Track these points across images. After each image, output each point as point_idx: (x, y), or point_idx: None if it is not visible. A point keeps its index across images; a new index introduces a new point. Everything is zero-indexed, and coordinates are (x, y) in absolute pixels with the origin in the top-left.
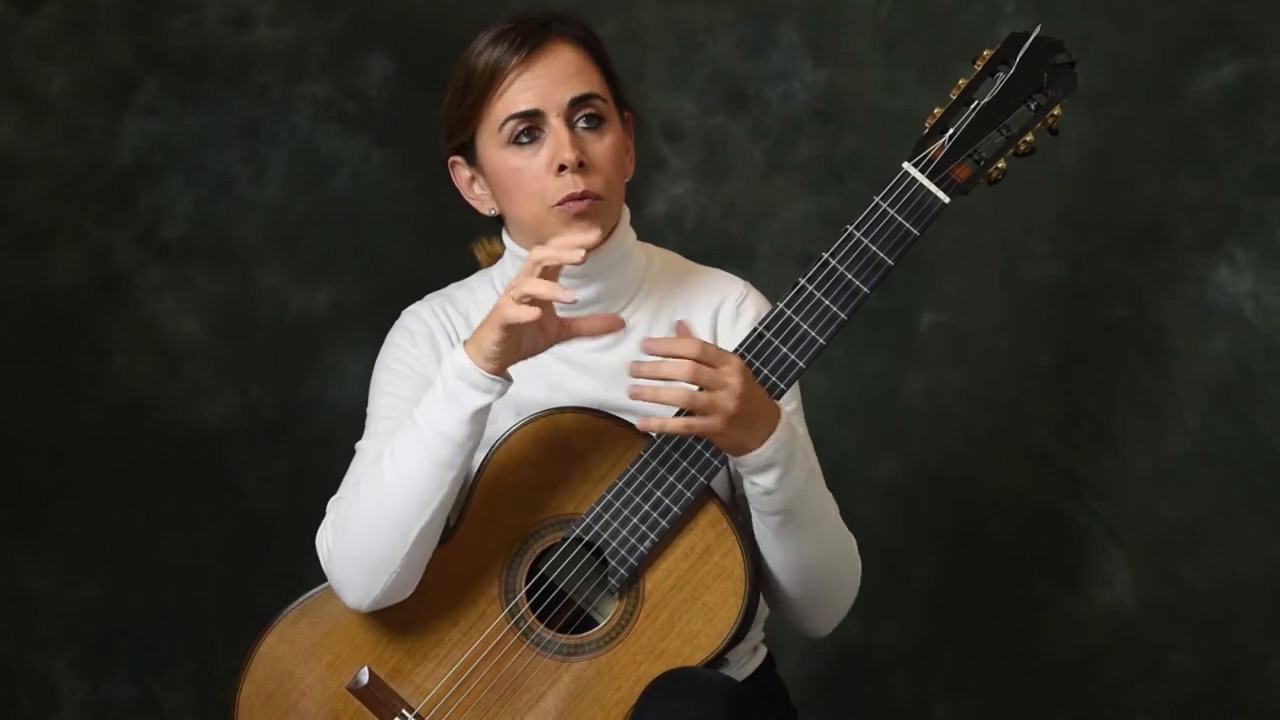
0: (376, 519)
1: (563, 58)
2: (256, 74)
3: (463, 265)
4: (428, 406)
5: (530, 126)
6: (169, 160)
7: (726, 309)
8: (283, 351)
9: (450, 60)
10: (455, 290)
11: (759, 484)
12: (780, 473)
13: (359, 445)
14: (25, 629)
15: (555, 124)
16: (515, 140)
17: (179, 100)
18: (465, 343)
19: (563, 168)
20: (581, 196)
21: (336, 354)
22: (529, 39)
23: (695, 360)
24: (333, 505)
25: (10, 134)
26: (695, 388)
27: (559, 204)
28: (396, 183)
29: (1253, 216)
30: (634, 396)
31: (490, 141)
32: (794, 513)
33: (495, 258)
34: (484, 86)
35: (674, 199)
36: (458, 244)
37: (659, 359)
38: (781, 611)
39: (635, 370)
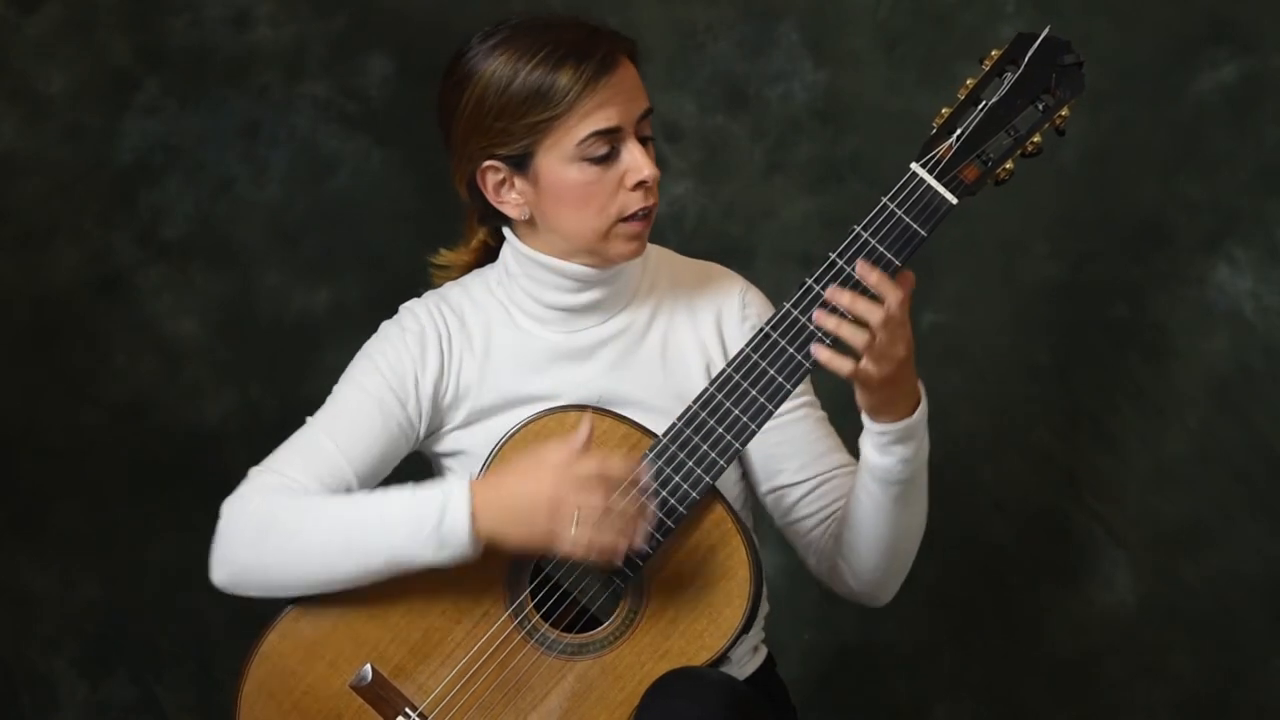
0: (288, 558)
1: (630, 74)
2: (256, 74)
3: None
4: (399, 523)
5: (609, 143)
6: (169, 160)
7: (730, 308)
8: (283, 351)
9: (449, 60)
10: (450, 289)
11: (896, 453)
12: (918, 444)
13: (309, 419)
14: (25, 629)
15: (631, 141)
16: (592, 157)
17: (179, 100)
18: (484, 508)
19: (641, 183)
20: (648, 210)
21: (336, 354)
22: (606, 59)
23: (890, 312)
24: (257, 477)
25: (10, 134)
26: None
27: (627, 219)
28: (396, 183)
29: (1253, 216)
30: (817, 322)
31: (558, 156)
32: (914, 481)
33: (451, 268)
34: (561, 101)
35: (674, 199)
36: (458, 244)
37: (857, 297)
38: (859, 586)
39: (833, 297)
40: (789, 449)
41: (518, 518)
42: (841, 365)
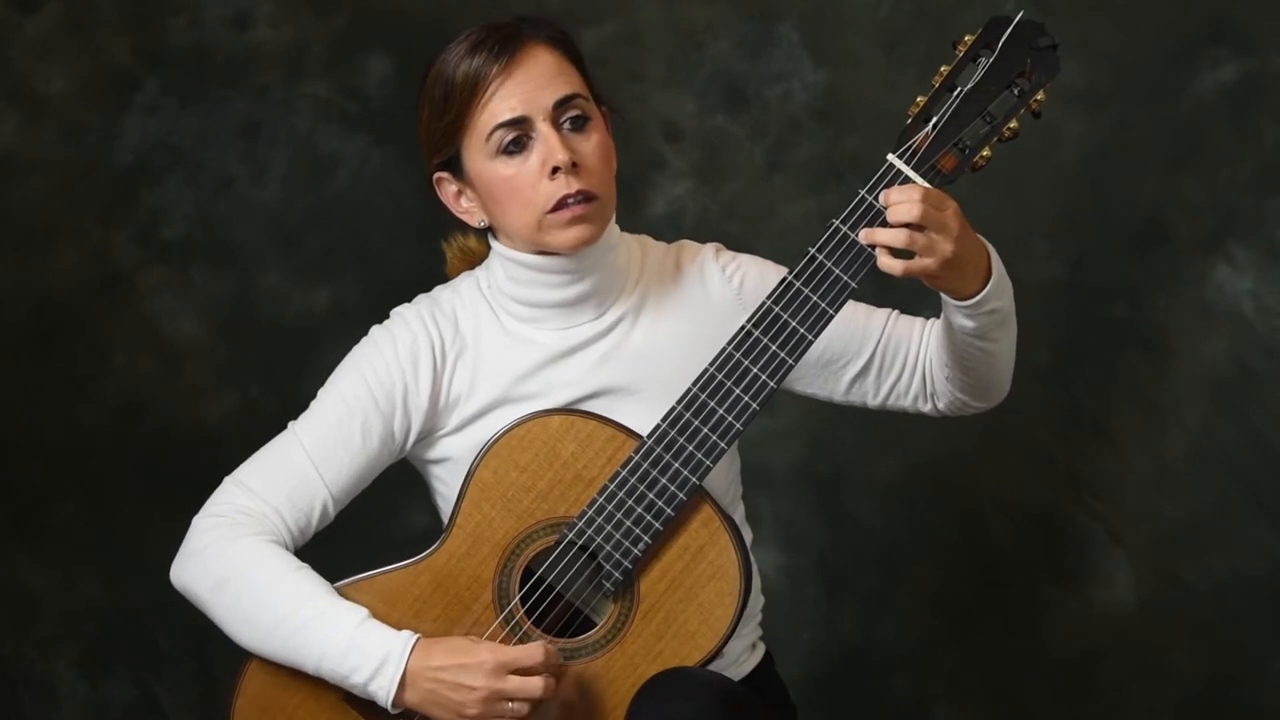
0: (233, 616)
1: (541, 61)
2: (256, 74)
3: None
4: (334, 655)
5: (519, 135)
6: (169, 160)
7: (711, 273)
8: (283, 351)
9: None
10: (441, 293)
11: (984, 315)
12: (1003, 296)
13: (291, 424)
14: (25, 629)
15: (543, 128)
16: (504, 149)
17: (179, 100)
18: (414, 681)
19: (556, 170)
20: (578, 195)
21: (336, 354)
22: (506, 46)
23: (922, 201)
24: (231, 496)
25: (10, 134)
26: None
27: (553, 210)
28: (396, 183)
29: (1253, 216)
30: (864, 238)
31: (478, 153)
32: (1009, 316)
33: (467, 253)
34: (466, 98)
35: (674, 199)
36: None
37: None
38: (987, 403)
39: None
40: (838, 343)
41: (443, 703)
42: (894, 265)
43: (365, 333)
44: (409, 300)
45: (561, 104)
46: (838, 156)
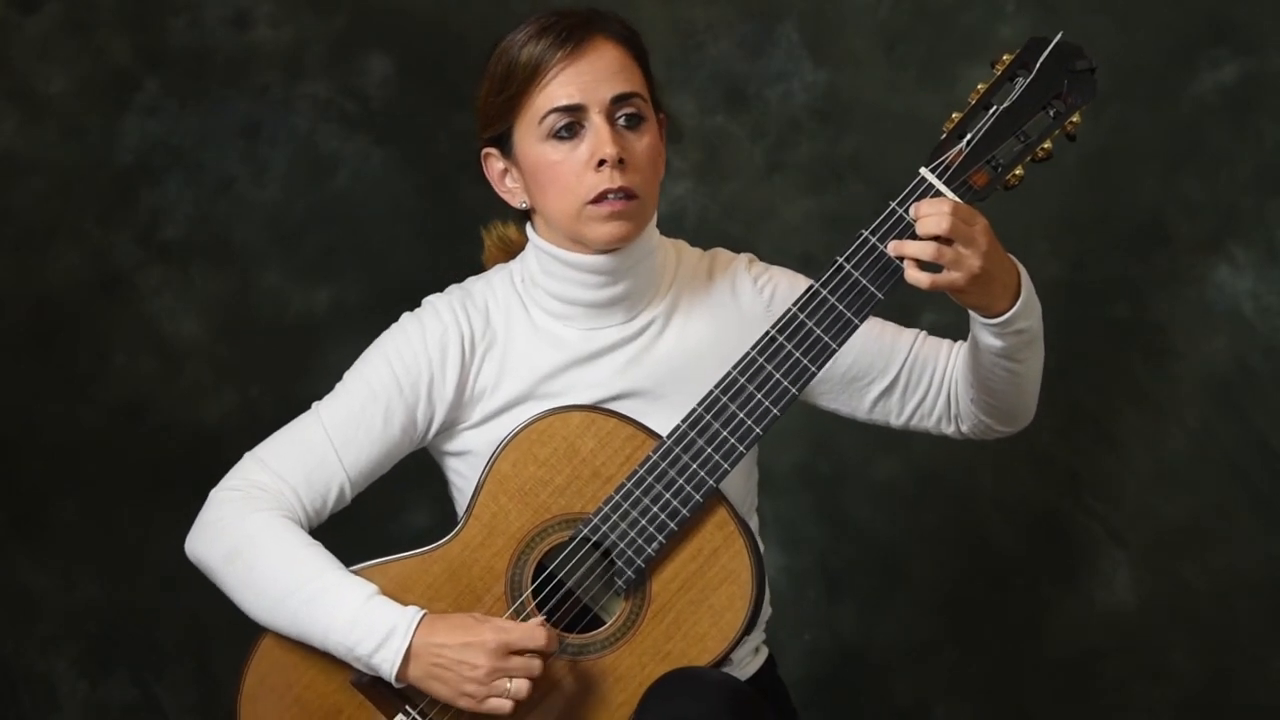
0: (243, 588)
1: (606, 55)
2: (256, 74)
3: (462, 265)
4: (340, 628)
5: (571, 122)
6: (169, 160)
7: (743, 283)
8: (283, 351)
9: (450, 60)
10: (474, 284)
11: (1013, 335)
12: (1032, 316)
13: (316, 405)
14: (25, 629)
15: (597, 120)
16: (555, 134)
17: (179, 100)
18: (418, 657)
19: (602, 162)
20: (619, 191)
21: (336, 354)
22: (574, 34)
23: (952, 214)
24: (250, 471)
25: (10, 134)
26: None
27: (593, 201)
28: (396, 183)
29: (1253, 216)
30: (893, 250)
31: (529, 134)
32: (1037, 337)
33: (506, 242)
34: (526, 79)
35: (674, 199)
36: (458, 244)
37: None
38: (1013, 428)
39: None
40: (864, 360)
41: (444, 680)
42: (921, 278)
43: (365, 332)
44: (408, 300)
45: (619, 100)
46: (838, 156)
